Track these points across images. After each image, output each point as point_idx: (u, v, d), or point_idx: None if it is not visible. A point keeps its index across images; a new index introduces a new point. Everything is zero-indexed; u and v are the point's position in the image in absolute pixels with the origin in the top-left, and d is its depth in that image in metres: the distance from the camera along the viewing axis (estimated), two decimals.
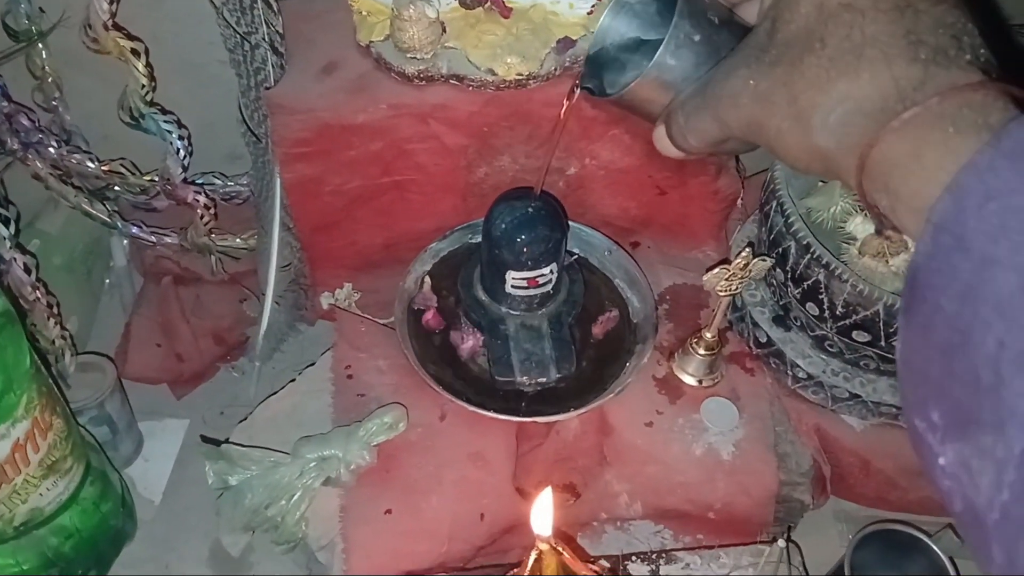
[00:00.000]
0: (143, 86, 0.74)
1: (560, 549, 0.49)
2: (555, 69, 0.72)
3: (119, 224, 0.86)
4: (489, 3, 0.73)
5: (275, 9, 0.70)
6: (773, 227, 0.69)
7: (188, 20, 0.78)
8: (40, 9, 0.75)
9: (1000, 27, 0.75)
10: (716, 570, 0.66)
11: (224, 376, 0.87)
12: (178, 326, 0.86)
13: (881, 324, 0.63)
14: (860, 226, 0.69)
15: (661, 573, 0.66)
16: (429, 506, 0.66)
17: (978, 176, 0.25)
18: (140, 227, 0.87)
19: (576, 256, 0.79)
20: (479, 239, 0.75)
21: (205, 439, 0.76)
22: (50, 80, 0.80)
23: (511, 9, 0.73)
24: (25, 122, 0.79)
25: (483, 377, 0.72)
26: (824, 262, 0.64)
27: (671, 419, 0.71)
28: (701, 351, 0.72)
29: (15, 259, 0.71)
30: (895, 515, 0.72)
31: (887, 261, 0.66)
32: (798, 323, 0.72)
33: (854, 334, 0.65)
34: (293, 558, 0.72)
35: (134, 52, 0.72)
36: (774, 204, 0.69)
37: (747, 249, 0.65)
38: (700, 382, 0.73)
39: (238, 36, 0.72)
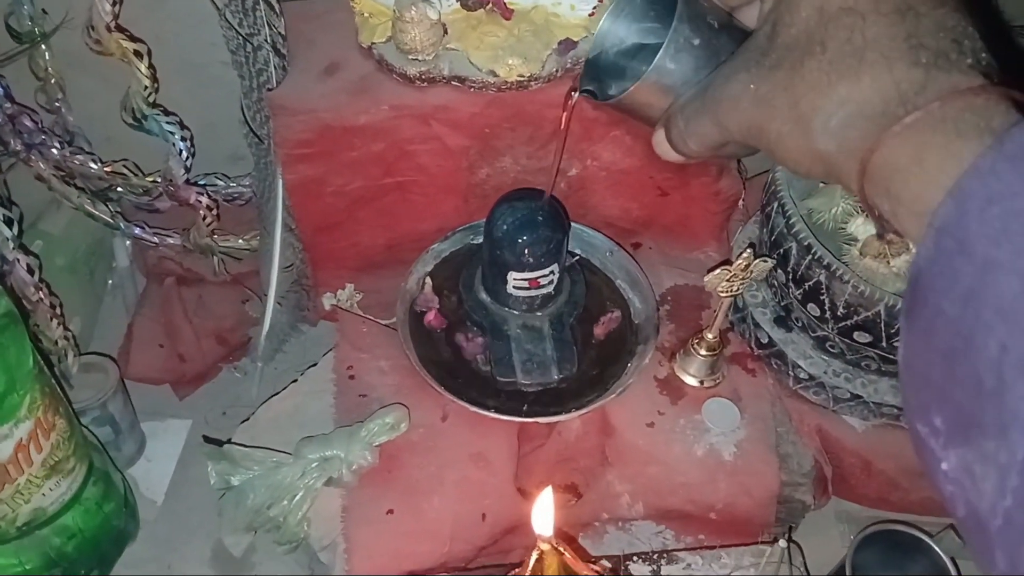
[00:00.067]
0: (146, 87, 0.74)
1: (561, 549, 0.49)
2: (557, 71, 0.72)
3: (122, 225, 0.86)
4: (491, 5, 0.73)
5: (277, 10, 0.70)
6: (774, 228, 0.69)
7: (190, 21, 0.78)
8: (43, 11, 0.75)
9: (1001, 30, 0.75)
10: (717, 570, 0.66)
11: (226, 377, 0.87)
12: (181, 327, 0.86)
13: (882, 325, 0.63)
14: (861, 227, 0.69)
15: (662, 573, 0.66)
16: (431, 506, 0.66)
17: (980, 180, 0.25)
18: (143, 228, 0.87)
19: (578, 257, 0.79)
20: (481, 240, 0.75)
21: (207, 439, 0.76)
22: (53, 81, 0.80)
23: (512, 11, 0.73)
24: (28, 123, 0.79)
25: (485, 378, 0.72)
26: (825, 263, 0.64)
27: (672, 420, 0.71)
28: (702, 352, 0.72)
29: (18, 260, 0.71)
30: (897, 516, 0.72)
31: (888, 262, 0.66)
32: (799, 324, 0.72)
33: (855, 335, 0.65)
34: (295, 558, 0.72)
35: (137, 53, 0.72)
36: (775, 205, 0.69)
37: (748, 250, 0.65)
38: (701, 383, 0.73)
39: (240, 37, 0.72)
